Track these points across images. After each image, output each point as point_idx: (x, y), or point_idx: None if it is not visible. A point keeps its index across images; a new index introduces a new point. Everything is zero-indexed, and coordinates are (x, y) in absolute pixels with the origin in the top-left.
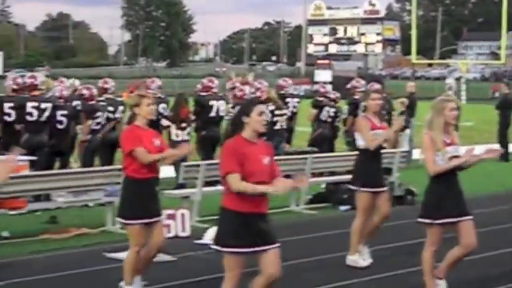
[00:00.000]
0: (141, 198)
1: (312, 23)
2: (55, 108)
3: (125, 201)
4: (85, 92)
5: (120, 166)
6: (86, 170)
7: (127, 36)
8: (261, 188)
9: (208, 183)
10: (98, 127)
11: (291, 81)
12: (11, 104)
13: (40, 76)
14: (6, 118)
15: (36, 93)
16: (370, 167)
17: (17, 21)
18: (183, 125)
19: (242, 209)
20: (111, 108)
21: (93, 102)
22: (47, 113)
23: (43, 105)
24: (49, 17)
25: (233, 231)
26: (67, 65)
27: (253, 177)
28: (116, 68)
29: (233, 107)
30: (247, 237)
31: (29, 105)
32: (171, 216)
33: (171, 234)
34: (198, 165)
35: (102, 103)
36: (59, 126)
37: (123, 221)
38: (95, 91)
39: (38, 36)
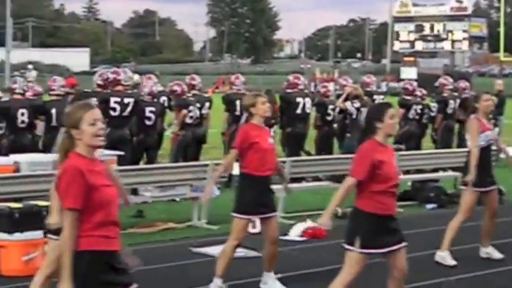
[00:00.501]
0: (257, 195)
1: (398, 19)
2: (139, 104)
3: (241, 196)
4: (176, 88)
5: (206, 162)
6: (173, 166)
7: (212, 32)
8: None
9: (293, 180)
10: (191, 121)
11: (374, 78)
12: (95, 99)
13: (127, 72)
14: None
15: (119, 88)
16: (480, 167)
17: (104, 19)
18: (272, 121)
19: (379, 211)
20: (198, 105)
21: (184, 97)
22: (129, 108)
23: (126, 100)
24: (136, 14)
25: (373, 232)
26: (153, 61)
27: (390, 181)
28: (201, 65)
29: (317, 104)
30: (384, 238)
31: (112, 100)
32: None
33: (256, 230)
34: (284, 162)
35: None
36: (147, 123)
37: (238, 215)
38: (185, 87)
39: (124, 33)
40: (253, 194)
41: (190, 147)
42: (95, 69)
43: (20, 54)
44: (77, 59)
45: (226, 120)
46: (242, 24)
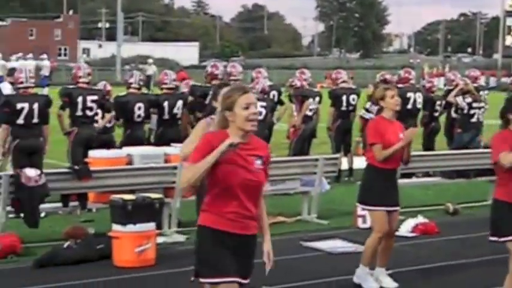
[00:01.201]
0: (383, 187)
1: (510, 14)
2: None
3: (368, 188)
4: (296, 82)
5: (316, 156)
6: (284, 160)
7: (321, 27)
8: None
9: (403, 175)
10: (311, 113)
11: (478, 72)
12: (199, 93)
13: (236, 66)
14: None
15: (215, 82)
16: None
17: (213, 13)
18: None
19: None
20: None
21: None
22: None
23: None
24: (244, 9)
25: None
26: (261, 55)
27: None
28: (310, 59)
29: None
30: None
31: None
32: None
33: (366, 225)
34: None
35: None
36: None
37: (366, 207)
38: (305, 81)
39: (233, 27)
40: (378, 186)
41: (306, 141)
42: (204, 64)
43: (130, 49)
44: (186, 53)
45: (332, 115)
46: (351, 19)
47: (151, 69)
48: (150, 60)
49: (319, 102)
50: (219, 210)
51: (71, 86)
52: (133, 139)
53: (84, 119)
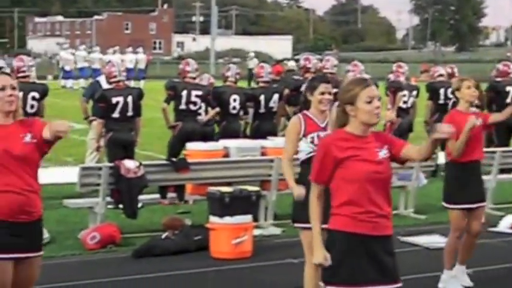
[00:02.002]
0: (462, 183)
1: None
2: None
3: (446, 185)
4: (391, 76)
5: None
6: None
7: (415, 20)
8: None
9: (502, 171)
10: (405, 106)
11: None
12: (292, 87)
13: (330, 60)
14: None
15: (310, 75)
16: None
17: (306, 6)
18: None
19: None
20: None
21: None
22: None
23: None
24: (338, 2)
25: None
26: (355, 49)
27: None
28: (404, 52)
29: None
30: None
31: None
32: None
33: None
34: (493, 152)
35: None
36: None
37: (446, 205)
38: (402, 74)
39: (326, 21)
40: (459, 182)
41: (403, 135)
42: (297, 57)
43: (224, 42)
44: (279, 46)
45: (429, 108)
46: (446, 11)
47: (252, 63)
48: (252, 54)
49: (417, 96)
50: (350, 211)
51: (177, 80)
52: (229, 131)
53: (187, 113)
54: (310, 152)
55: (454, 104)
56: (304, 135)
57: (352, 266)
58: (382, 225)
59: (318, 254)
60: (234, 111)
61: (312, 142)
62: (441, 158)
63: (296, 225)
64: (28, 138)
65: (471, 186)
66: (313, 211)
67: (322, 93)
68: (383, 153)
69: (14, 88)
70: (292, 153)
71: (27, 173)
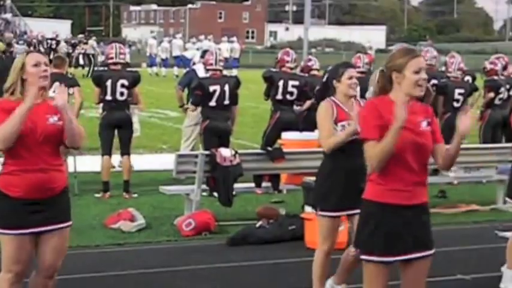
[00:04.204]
0: None
1: None
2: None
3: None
4: (488, 65)
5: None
6: (479, 147)
7: None
8: None
9: None
10: (499, 102)
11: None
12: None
13: (430, 51)
14: None
15: None
16: None
17: None
18: None
19: None
20: (507, 86)
21: (496, 77)
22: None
23: None
24: None
25: None
26: (450, 40)
27: None
28: (501, 44)
29: None
30: None
31: None
32: None
33: None
34: None
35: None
36: (455, 104)
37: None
38: (499, 67)
39: (421, 11)
40: None
41: (497, 128)
42: (391, 48)
43: (317, 32)
44: (373, 36)
45: None
46: None
47: (371, 53)
48: (368, 44)
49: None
50: (387, 181)
51: (274, 70)
52: (310, 120)
53: (284, 103)
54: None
55: None
56: (335, 123)
57: (387, 236)
58: (417, 193)
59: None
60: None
61: (343, 130)
62: None
63: (320, 213)
64: (53, 119)
65: None
66: (378, 145)
67: (350, 78)
68: (424, 125)
69: (47, 65)
70: (330, 133)
71: (47, 151)
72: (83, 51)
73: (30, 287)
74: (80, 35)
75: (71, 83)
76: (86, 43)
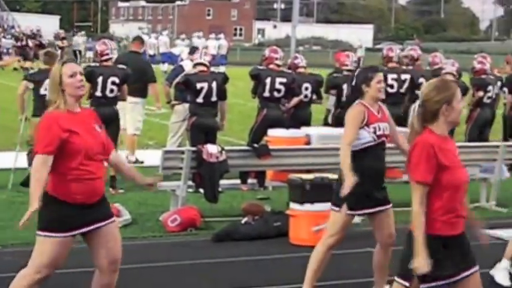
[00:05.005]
0: None
1: None
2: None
3: None
4: (476, 65)
5: (497, 143)
6: (462, 145)
7: (500, 11)
8: None
9: None
10: (488, 101)
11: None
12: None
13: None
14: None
15: (393, 65)
16: None
17: None
18: None
19: None
20: (498, 84)
21: (484, 76)
22: (406, 85)
23: (403, 77)
24: None
25: None
26: (437, 39)
27: None
28: (487, 44)
29: None
30: None
31: (390, 77)
32: None
33: None
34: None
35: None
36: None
37: None
38: (487, 66)
39: (409, 10)
40: None
41: (485, 127)
42: (378, 46)
43: (305, 30)
44: (360, 35)
45: (510, 102)
46: None
47: (360, 51)
48: (359, 43)
49: (501, 87)
50: (444, 215)
51: (261, 67)
52: (297, 117)
53: (271, 100)
54: (370, 142)
55: None
56: (367, 125)
57: (449, 264)
58: (464, 221)
59: (421, 262)
60: (306, 99)
61: (374, 132)
62: None
63: (349, 212)
64: (98, 127)
65: None
66: (418, 219)
67: (379, 82)
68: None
69: (82, 74)
70: (353, 139)
71: (100, 158)
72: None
73: None
74: (61, 30)
75: None
76: (65, 38)
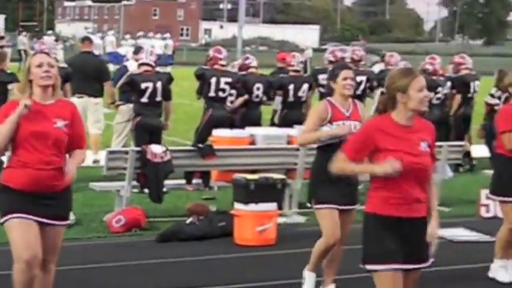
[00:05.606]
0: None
1: None
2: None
3: (497, 178)
4: (428, 66)
5: (440, 143)
6: None
7: (444, 12)
8: None
9: None
10: (437, 102)
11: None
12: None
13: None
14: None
15: (352, 66)
16: None
17: None
18: None
19: None
20: (448, 84)
21: (435, 77)
22: (362, 86)
23: (358, 78)
24: None
25: None
26: (382, 40)
27: None
28: (431, 45)
29: None
30: None
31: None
32: None
33: (490, 215)
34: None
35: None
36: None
37: (496, 197)
38: (438, 66)
39: (354, 11)
40: (508, 176)
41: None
42: (324, 47)
43: (251, 30)
44: (306, 35)
45: (457, 102)
46: (475, 5)
47: (307, 54)
48: (307, 44)
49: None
50: (384, 196)
51: (206, 67)
52: (248, 118)
53: (216, 100)
54: (332, 140)
55: (507, 99)
56: (330, 122)
57: (387, 246)
58: (413, 208)
59: (385, 166)
60: (257, 100)
61: None
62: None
63: (316, 206)
64: (60, 124)
65: None
66: (346, 165)
67: (345, 79)
68: (424, 146)
69: (51, 66)
70: (311, 129)
71: (51, 152)
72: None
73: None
74: None
75: (10, 79)
76: (3, 37)
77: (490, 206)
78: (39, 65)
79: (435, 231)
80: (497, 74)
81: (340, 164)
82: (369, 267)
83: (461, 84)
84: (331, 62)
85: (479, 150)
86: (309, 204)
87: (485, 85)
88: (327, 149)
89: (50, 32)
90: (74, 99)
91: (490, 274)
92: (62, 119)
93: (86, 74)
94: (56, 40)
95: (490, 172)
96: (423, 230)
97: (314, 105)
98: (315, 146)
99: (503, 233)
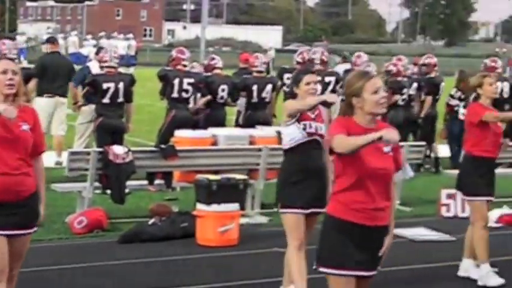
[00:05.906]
0: (481, 176)
1: None
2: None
3: (465, 176)
4: (392, 68)
5: (400, 144)
6: None
7: (406, 13)
8: None
9: None
10: (402, 103)
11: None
12: (289, 75)
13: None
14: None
15: (317, 67)
16: None
17: None
18: None
19: None
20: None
21: (400, 78)
22: (330, 87)
23: (327, 79)
24: None
25: None
26: (345, 41)
27: None
28: (394, 45)
29: None
30: None
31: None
32: (452, 196)
33: (450, 214)
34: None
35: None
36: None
37: (467, 197)
38: (401, 68)
39: (317, 12)
40: (477, 176)
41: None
42: (287, 47)
43: (214, 31)
44: (269, 36)
45: (429, 104)
46: (436, 6)
47: (270, 55)
48: (270, 45)
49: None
50: (347, 199)
51: (168, 68)
52: (213, 119)
53: (179, 101)
54: (299, 139)
55: (475, 99)
56: (298, 120)
57: (342, 252)
58: (374, 216)
59: (383, 131)
60: (221, 101)
61: (304, 129)
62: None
63: (281, 210)
64: (25, 127)
65: (488, 180)
66: (348, 139)
67: (308, 84)
68: (387, 149)
69: (15, 73)
70: (293, 111)
71: (16, 157)
72: None
73: None
74: None
75: None
76: None
77: (451, 206)
78: (4, 72)
79: (388, 245)
80: (458, 75)
81: (342, 141)
82: (322, 269)
83: (432, 86)
84: (298, 63)
85: (440, 150)
86: (275, 209)
87: (447, 86)
88: (296, 149)
89: (21, 31)
90: (43, 99)
91: (480, 283)
92: (26, 122)
93: (57, 74)
94: (27, 41)
95: (451, 172)
96: (381, 239)
97: (280, 106)
98: (282, 146)
99: (478, 234)
